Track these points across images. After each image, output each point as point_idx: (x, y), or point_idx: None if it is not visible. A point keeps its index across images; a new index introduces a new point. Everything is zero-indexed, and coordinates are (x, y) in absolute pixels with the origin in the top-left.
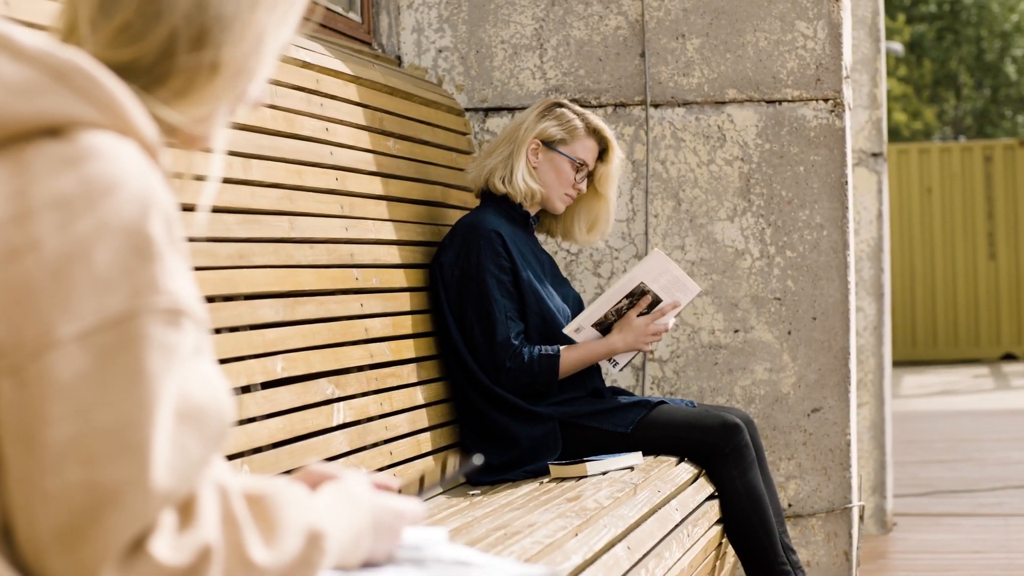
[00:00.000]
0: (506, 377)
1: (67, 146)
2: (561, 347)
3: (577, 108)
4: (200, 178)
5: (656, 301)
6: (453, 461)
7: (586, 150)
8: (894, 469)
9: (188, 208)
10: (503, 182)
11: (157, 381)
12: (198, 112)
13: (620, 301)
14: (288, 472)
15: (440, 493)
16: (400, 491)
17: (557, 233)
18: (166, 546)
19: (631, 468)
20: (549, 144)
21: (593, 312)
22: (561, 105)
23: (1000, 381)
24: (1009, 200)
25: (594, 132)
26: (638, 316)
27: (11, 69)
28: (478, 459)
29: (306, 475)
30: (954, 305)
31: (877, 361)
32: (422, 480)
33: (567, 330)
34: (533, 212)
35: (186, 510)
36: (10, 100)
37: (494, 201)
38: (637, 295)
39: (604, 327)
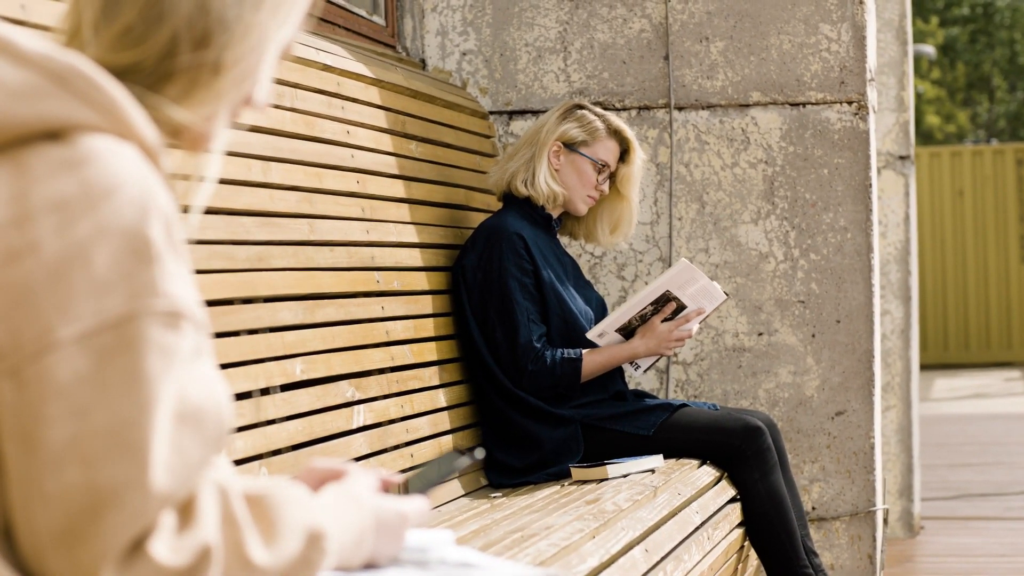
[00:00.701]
0: (528, 380)
1: (67, 149)
2: (583, 351)
3: (598, 110)
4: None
5: (681, 307)
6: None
7: (607, 151)
8: (923, 472)
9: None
10: (525, 185)
11: (156, 383)
12: (201, 112)
13: (645, 308)
14: None
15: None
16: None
17: (580, 235)
18: (165, 547)
19: (652, 471)
20: (570, 146)
21: (617, 318)
22: (582, 107)
23: None
24: None
25: (615, 133)
26: (662, 322)
27: (12, 73)
28: (479, 453)
29: (310, 472)
30: (986, 308)
31: (904, 364)
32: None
33: (591, 335)
34: (556, 215)
35: (185, 511)
36: (10, 103)
37: (516, 204)
38: (662, 302)
39: (628, 332)
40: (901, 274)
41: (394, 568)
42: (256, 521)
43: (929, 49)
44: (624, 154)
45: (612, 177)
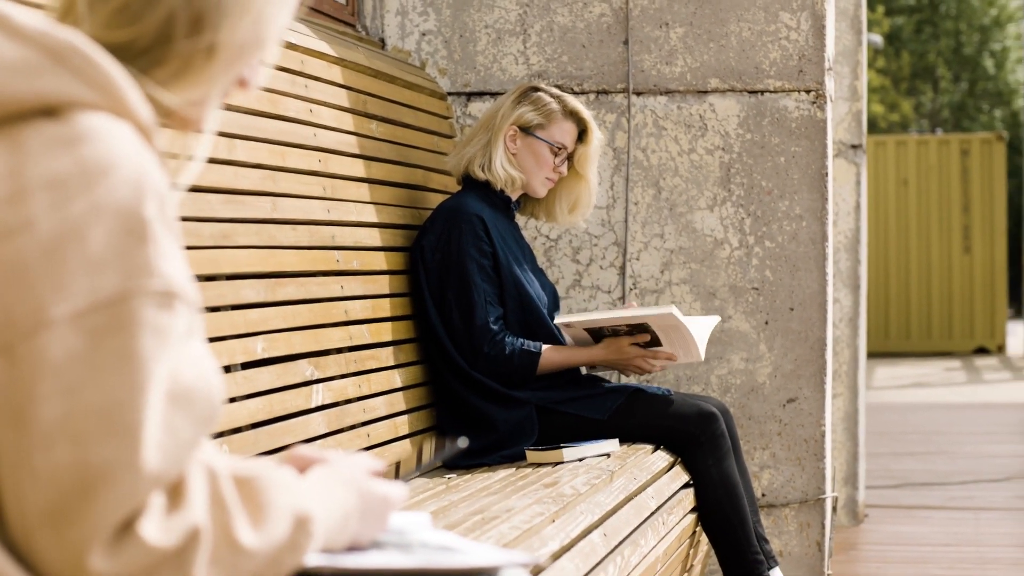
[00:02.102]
0: (484, 362)
1: (63, 127)
2: (544, 346)
3: (554, 91)
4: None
5: (655, 341)
6: (432, 444)
7: (564, 133)
8: (866, 461)
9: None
10: (482, 169)
11: (149, 363)
12: (193, 95)
13: (621, 326)
14: (267, 453)
15: (421, 475)
16: (383, 474)
17: (540, 214)
18: (155, 527)
19: (607, 455)
20: (527, 130)
21: (592, 319)
22: (537, 89)
23: (972, 375)
24: (985, 194)
25: (571, 114)
26: (630, 344)
27: (9, 49)
28: (463, 442)
29: (293, 458)
30: (928, 298)
31: (852, 353)
32: (398, 465)
33: (559, 320)
34: (514, 197)
35: (175, 492)
36: (7, 80)
37: (475, 186)
38: (639, 329)
39: (595, 336)
40: (851, 263)
41: (376, 550)
42: (244, 503)
43: (876, 38)
44: (582, 134)
45: (570, 157)
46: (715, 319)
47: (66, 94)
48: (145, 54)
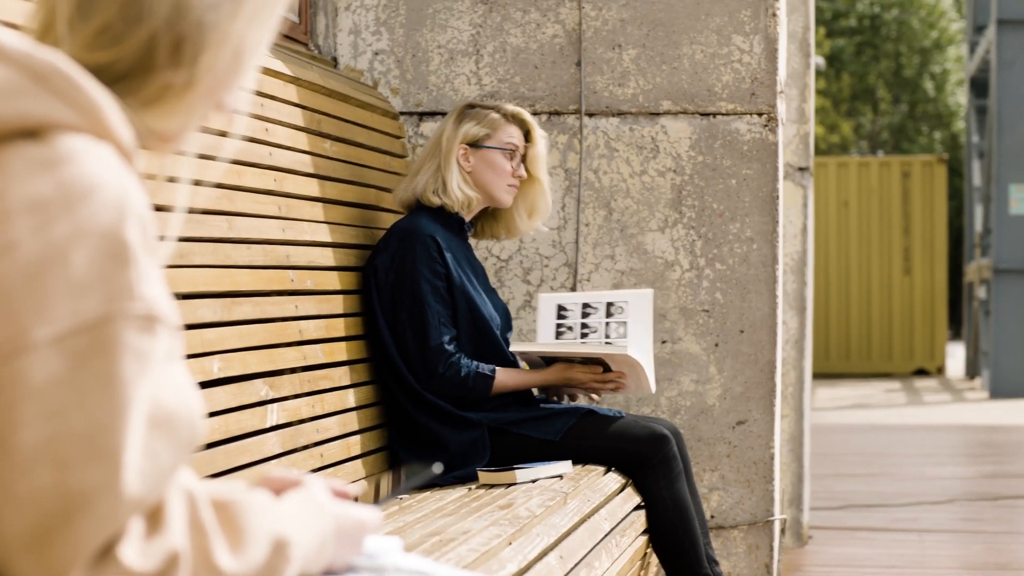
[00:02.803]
0: (438, 383)
1: (45, 148)
2: (498, 369)
3: (489, 103)
4: (172, 180)
5: (606, 367)
6: (389, 477)
7: (512, 136)
8: (810, 482)
9: (161, 209)
10: (436, 195)
11: (130, 387)
12: (173, 118)
13: (576, 357)
14: (222, 474)
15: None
16: (356, 499)
17: (501, 232)
18: (135, 552)
19: (560, 476)
20: (476, 144)
21: (546, 347)
22: (473, 105)
23: (912, 396)
24: (926, 216)
25: (512, 117)
26: (582, 370)
27: None
28: (437, 468)
29: (266, 480)
30: (868, 319)
31: (798, 374)
32: (377, 489)
33: (515, 348)
34: (468, 218)
35: (154, 516)
36: None
37: (428, 209)
38: (592, 362)
39: (547, 359)
40: (797, 285)
41: (351, 574)
42: (223, 527)
43: (818, 60)
44: (527, 136)
45: (523, 160)
46: (648, 293)
47: (48, 116)
48: (125, 76)
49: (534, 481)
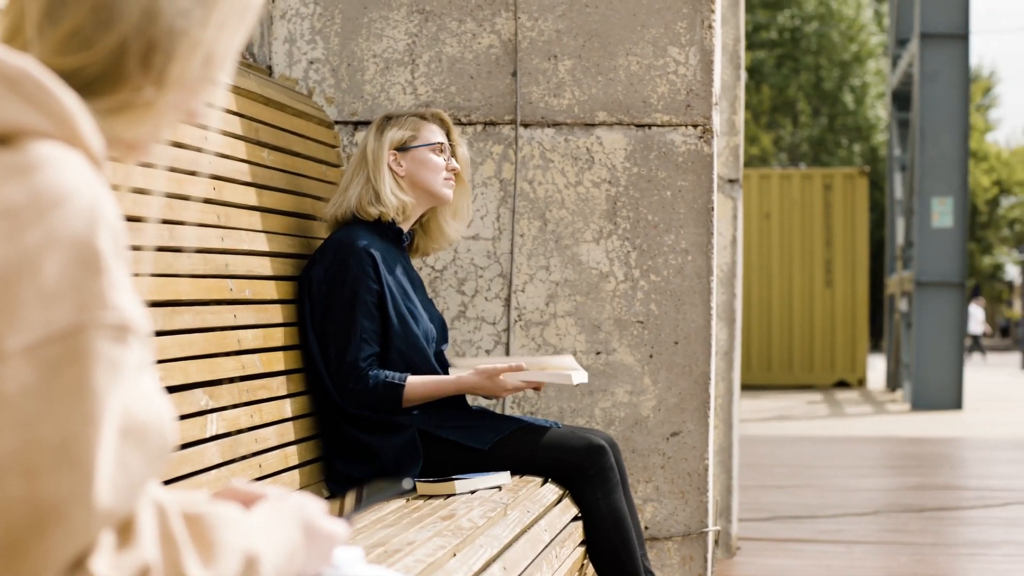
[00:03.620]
0: (350, 398)
1: (16, 155)
2: (410, 377)
3: (404, 109)
4: (140, 191)
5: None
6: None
7: (435, 134)
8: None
9: (130, 219)
10: (372, 204)
11: (103, 397)
12: (141, 125)
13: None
14: (165, 483)
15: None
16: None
17: (431, 247)
18: (106, 565)
19: (499, 488)
20: (404, 148)
21: (484, 362)
22: (391, 115)
23: (834, 408)
24: (847, 228)
25: (433, 116)
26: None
27: None
28: (407, 483)
29: (230, 492)
30: (790, 331)
31: (727, 386)
32: (342, 503)
33: (455, 362)
34: (407, 228)
35: (125, 529)
36: None
37: (366, 223)
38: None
39: None
40: (726, 296)
41: None
42: (194, 541)
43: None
44: (448, 136)
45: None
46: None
47: (19, 122)
48: (94, 82)
49: (473, 492)
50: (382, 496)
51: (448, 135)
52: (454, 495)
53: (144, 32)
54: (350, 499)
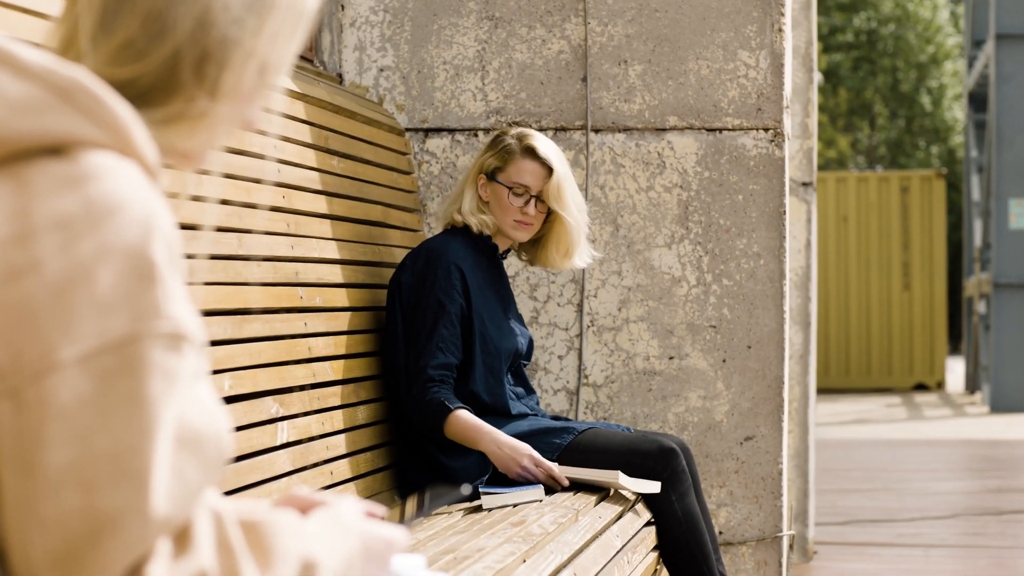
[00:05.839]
0: (409, 402)
1: (69, 166)
2: (462, 411)
3: (519, 131)
4: (197, 198)
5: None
6: (421, 493)
7: (524, 172)
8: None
9: (184, 227)
10: (459, 213)
11: (158, 406)
12: (195, 137)
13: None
14: (234, 492)
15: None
16: (384, 518)
17: (537, 261)
18: (163, 572)
19: (539, 501)
20: (491, 175)
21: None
22: (504, 132)
23: (913, 411)
24: (925, 231)
25: (528, 151)
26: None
27: (14, 86)
28: (465, 489)
29: (291, 500)
30: (868, 334)
31: (802, 390)
32: (403, 509)
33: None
34: (502, 246)
35: (182, 537)
36: (12, 117)
37: (458, 230)
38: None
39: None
40: (801, 300)
41: None
42: (251, 548)
43: (817, 75)
44: (550, 170)
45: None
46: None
47: (72, 132)
48: (148, 93)
49: (503, 507)
50: (442, 501)
51: (550, 176)
52: (490, 508)
53: (197, 42)
54: (411, 504)
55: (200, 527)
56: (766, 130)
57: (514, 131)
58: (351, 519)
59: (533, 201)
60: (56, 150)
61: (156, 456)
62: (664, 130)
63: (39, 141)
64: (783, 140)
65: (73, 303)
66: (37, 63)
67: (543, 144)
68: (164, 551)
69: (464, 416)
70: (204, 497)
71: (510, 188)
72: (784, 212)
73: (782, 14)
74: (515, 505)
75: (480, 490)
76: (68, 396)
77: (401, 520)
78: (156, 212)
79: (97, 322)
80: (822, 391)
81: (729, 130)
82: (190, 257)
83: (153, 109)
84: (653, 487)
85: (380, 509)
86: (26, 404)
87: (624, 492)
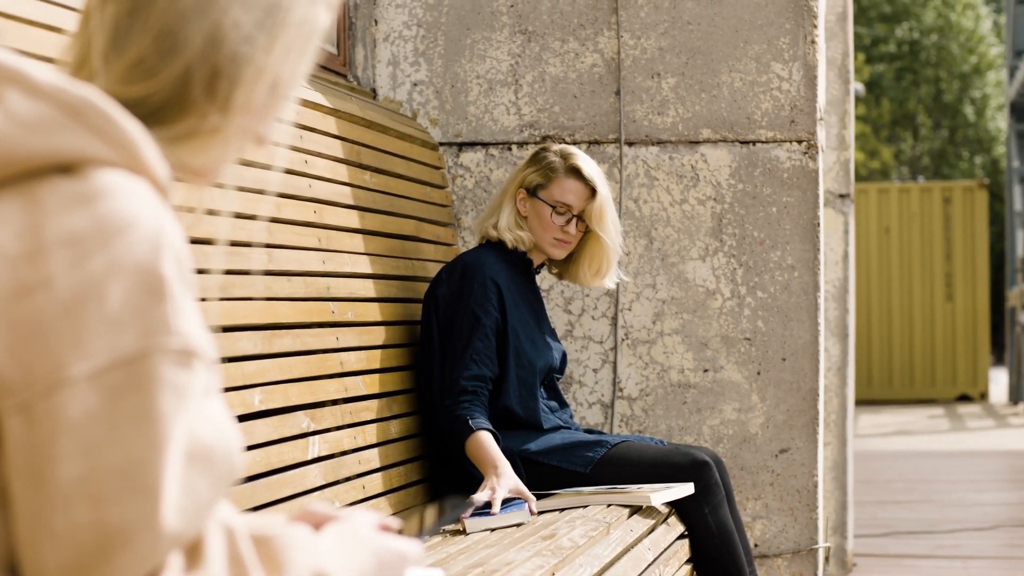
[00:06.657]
0: (440, 412)
1: (80, 184)
2: (483, 433)
3: (562, 148)
4: (212, 212)
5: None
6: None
7: (567, 191)
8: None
9: (199, 241)
10: (495, 228)
11: (168, 422)
12: (207, 154)
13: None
14: (264, 506)
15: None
16: (400, 532)
17: (567, 277)
18: None
19: (519, 525)
20: (532, 191)
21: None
22: (547, 148)
23: (956, 422)
24: (967, 241)
25: (573, 171)
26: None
27: (25, 105)
28: (479, 499)
29: (305, 514)
30: (910, 345)
31: (840, 402)
32: (421, 521)
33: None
34: (536, 261)
35: (193, 551)
36: (24, 136)
37: (494, 244)
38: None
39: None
40: (839, 312)
41: None
42: (263, 562)
43: (857, 86)
44: (593, 192)
45: (583, 217)
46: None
47: (83, 151)
48: (160, 110)
49: (492, 530)
50: (458, 511)
51: (594, 190)
52: (469, 532)
53: (208, 60)
54: (430, 514)
55: (212, 541)
56: (799, 142)
57: (556, 147)
58: (364, 533)
59: (574, 220)
60: (67, 168)
61: (166, 470)
62: (697, 143)
63: (50, 159)
64: (817, 152)
65: (83, 319)
66: (48, 82)
67: (587, 164)
68: (175, 565)
69: (482, 440)
70: (216, 512)
71: (553, 207)
72: (818, 224)
73: (815, 26)
74: (493, 530)
75: (467, 514)
76: (78, 411)
77: (420, 532)
78: (166, 229)
79: (107, 338)
80: (865, 402)
81: (762, 142)
82: (225, 273)
83: (165, 127)
84: (686, 489)
85: (394, 522)
86: (37, 419)
87: (659, 507)
